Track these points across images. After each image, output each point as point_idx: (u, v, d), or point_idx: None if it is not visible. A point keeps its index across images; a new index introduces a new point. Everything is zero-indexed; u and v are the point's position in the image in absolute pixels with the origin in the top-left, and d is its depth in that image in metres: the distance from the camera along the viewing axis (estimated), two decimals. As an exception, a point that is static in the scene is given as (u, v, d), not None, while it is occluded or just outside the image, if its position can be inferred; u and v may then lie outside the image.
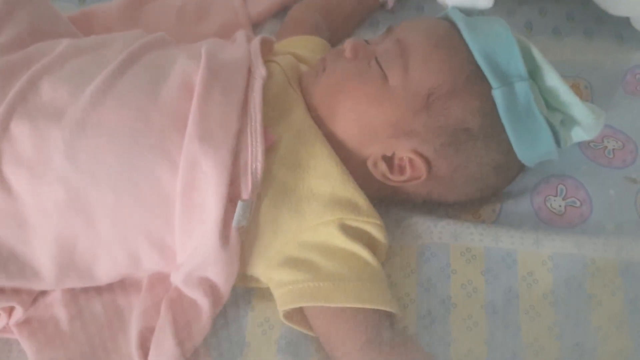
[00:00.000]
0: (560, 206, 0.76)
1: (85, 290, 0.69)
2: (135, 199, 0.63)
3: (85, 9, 0.93)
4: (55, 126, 0.63)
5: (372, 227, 0.68)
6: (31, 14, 0.77)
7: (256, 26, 0.97)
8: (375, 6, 0.98)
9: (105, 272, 0.67)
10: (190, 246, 0.64)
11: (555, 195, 0.77)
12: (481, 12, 0.76)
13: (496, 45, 0.68)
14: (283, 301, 0.65)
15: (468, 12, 0.74)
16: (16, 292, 0.66)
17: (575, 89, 0.87)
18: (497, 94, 0.67)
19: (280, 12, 0.98)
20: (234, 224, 0.62)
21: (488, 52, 0.68)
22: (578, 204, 0.76)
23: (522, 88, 0.67)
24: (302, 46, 0.85)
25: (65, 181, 0.63)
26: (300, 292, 0.64)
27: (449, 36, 0.70)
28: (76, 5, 1.00)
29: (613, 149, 0.80)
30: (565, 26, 0.96)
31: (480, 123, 0.68)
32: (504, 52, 0.68)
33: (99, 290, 0.69)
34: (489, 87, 0.67)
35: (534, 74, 0.70)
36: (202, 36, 0.91)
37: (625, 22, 0.93)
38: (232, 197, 0.63)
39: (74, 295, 0.68)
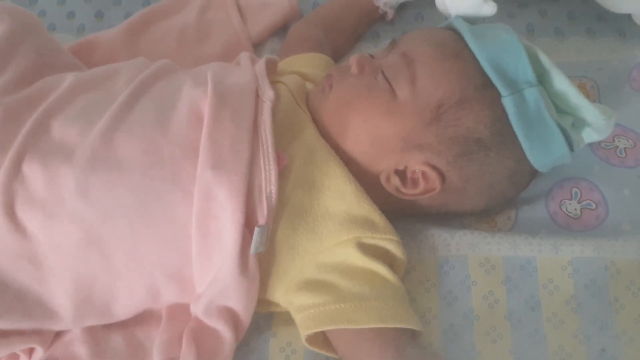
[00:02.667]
0: (575, 209, 0.76)
1: (104, 325, 0.68)
2: (151, 232, 0.63)
3: (85, 39, 0.93)
4: (66, 165, 0.62)
5: (390, 243, 0.67)
6: (35, 48, 0.76)
7: (257, 46, 0.96)
8: (375, 18, 0.97)
9: (124, 308, 0.66)
10: (209, 276, 0.64)
11: (570, 199, 0.76)
12: (484, 19, 0.76)
13: (503, 53, 0.68)
14: (305, 326, 0.64)
15: (471, 20, 0.74)
16: (36, 332, 0.66)
17: (582, 89, 0.87)
18: (507, 101, 0.67)
19: (280, 31, 0.97)
20: (252, 250, 0.62)
21: (496, 60, 0.67)
22: (593, 206, 0.76)
23: (532, 94, 0.67)
24: (306, 64, 0.85)
25: (79, 219, 0.62)
26: (322, 316, 0.63)
27: (455, 46, 0.70)
28: (74, 36, 1.00)
29: (625, 148, 0.80)
30: (567, 26, 0.96)
31: (492, 132, 0.67)
32: (511, 59, 0.67)
33: (117, 324, 0.68)
34: (499, 95, 0.67)
35: (542, 78, 0.70)
36: (204, 58, 0.92)
37: (627, 18, 0.93)
38: (248, 223, 0.63)
39: (93, 332, 0.68)
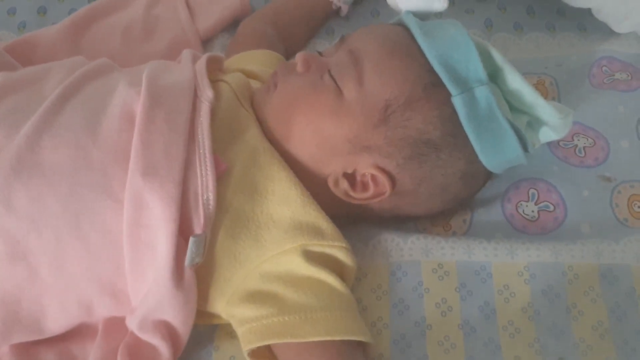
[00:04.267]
0: (532, 212, 0.73)
1: (36, 341, 0.64)
2: (80, 243, 0.59)
3: (23, 37, 0.88)
4: None
5: (338, 250, 0.64)
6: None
7: (206, 42, 0.92)
8: (329, 13, 0.94)
9: (55, 323, 0.62)
10: (143, 289, 0.60)
11: (527, 201, 0.73)
12: (437, 15, 0.73)
13: (453, 50, 0.65)
14: (247, 340, 0.60)
15: (423, 16, 0.71)
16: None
17: (541, 86, 0.84)
18: (457, 101, 0.63)
19: (230, 27, 0.94)
20: (186, 262, 0.58)
21: (445, 58, 0.64)
22: (551, 207, 0.73)
23: (482, 93, 0.64)
24: (254, 61, 0.81)
25: (2, 230, 0.58)
26: (265, 329, 0.60)
27: (404, 43, 0.67)
28: (15, 34, 0.95)
29: (584, 147, 0.77)
30: (526, 21, 0.93)
31: (442, 133, 0.64)
32: (461, 57, 0.64)
33: (50, 339, 0.64)
34: (449, 95, 0.64)
35: (494, 76, 0.67)
36: (150, 56, 0.88)
37: (587, 13, 0.91)
38: (183, 233, 0.59)
39: (22, 348, 0.63)
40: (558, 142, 0.77)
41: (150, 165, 0.59)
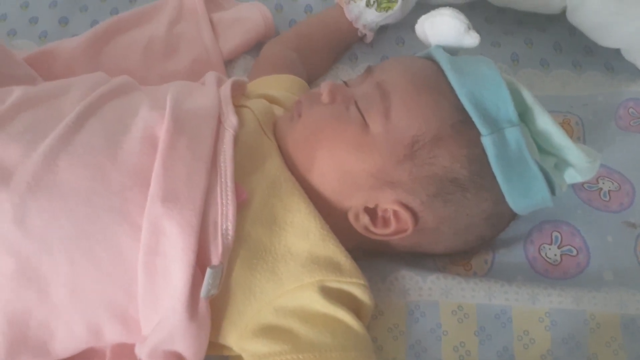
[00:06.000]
0: (555, 255, 0.71)
1: (42, 364, 0.62)
2: (92, 267, 0.57)
3: (45, 48, 0.87)
4: (3, 189, 0.56)
5: (356, 287, 0.62)
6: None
7: (228, 63, 0.91)
8: (354, 40, 0.93)
9: (62, 346, 0.60)
10: (155, 318, 0.58)
11: (550, 244, 0.72)
12: (466, 49, 0.72)
13: (484, 89, 0.63)
14: (259, 377, 0.59)
15: (452, 50, 0.70)
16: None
17: (566, 125, 0.83)
18: (487, 141, 0.62)
19: (254, 48, 0.92)
20: (202, 293, 0.56)
21: (476, 97, 0.63)
22: (574, 252, 0.71)
23: (513, 134, 0.62)
24: (276, 86, 0.80)
25: (15, 250, 0.56)
26: (278, 367, 0.58)
27: (433, 78, 0.65)
28: (36, 43, 0.94)
29: (609, 191, 0.76)
30: (552, 58, 0.92)
31: (470, 172, 0.63)
32: (492, 96, 0.63)
33: (57, 363, 0.63)
34: (478, 134, 0.62)
35: (524, 116, 0.66)
36: (170, 74, 0.87)
37: (616, 52, 0.90)
38: (200, 262, 0.57)
39: (28, 371, 0.62)
40: (582, 184, 0.76)
41: (171, 192, 0.57)
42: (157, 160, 0.59)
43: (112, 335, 0.61)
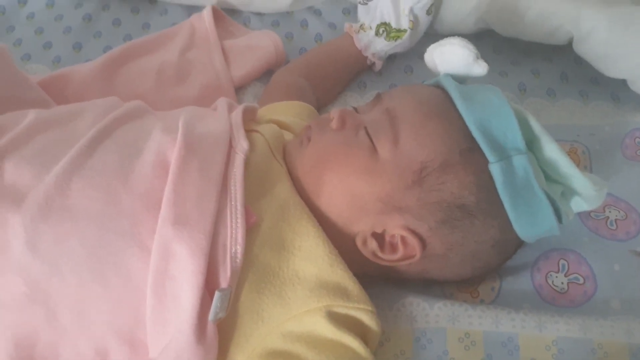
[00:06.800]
0: (562, 283, 0.71)
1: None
2: (102, 289, 0.58)
3: (58, 73, 0.88)
4: (15, 211, 0.57)
5: (363, 313, 0.62)
6: (-4, 80, 0.72)
7: (239, 89, 0.92)
8: (363, 68, 0.94)
9: (69, 368, 0.60)
10: (163, 341, 0.58)
11: (557, 272, 0.72)
12: (474, 78, 0.72)
13: (492, 117, 0.64)
14: (264, 402, 0.59)
15: (461, 79, 0.71)
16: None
17: (573, 154, 0.83)
18: (495, 168, 0.63)
19: (264, 75, 0.94)
20: (210, 317, 0.57)
21: (484, 124, 0.64)
22: (581, 280, 0.71)
23: (520, 162, 0.63)
24: (286, 112, 0.81)
25: (25, 271, 0.57)
26: (284, 392, 0.58)
27: (442, 106, 0.66)
28: (50, 68, 0.95)
29: (616, 219, 0.76)
30: (559, 87, 0.93)
31: (477, 199, 0.63)
32: (500, 124, 0.64)
33: (61, 384, 0.63)
34: (486, 161, 0.63)
35: (531, 144, 0.66)
36: (182, 99, 0.88)
37: (622, 83, 0.90)
38: (208, 285, 0.58)
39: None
40: (589, 212, 0.76)
41: (181, 215, 0.58)
42: (168, 183, 0.60)
43: (118, 357, 0.61)
